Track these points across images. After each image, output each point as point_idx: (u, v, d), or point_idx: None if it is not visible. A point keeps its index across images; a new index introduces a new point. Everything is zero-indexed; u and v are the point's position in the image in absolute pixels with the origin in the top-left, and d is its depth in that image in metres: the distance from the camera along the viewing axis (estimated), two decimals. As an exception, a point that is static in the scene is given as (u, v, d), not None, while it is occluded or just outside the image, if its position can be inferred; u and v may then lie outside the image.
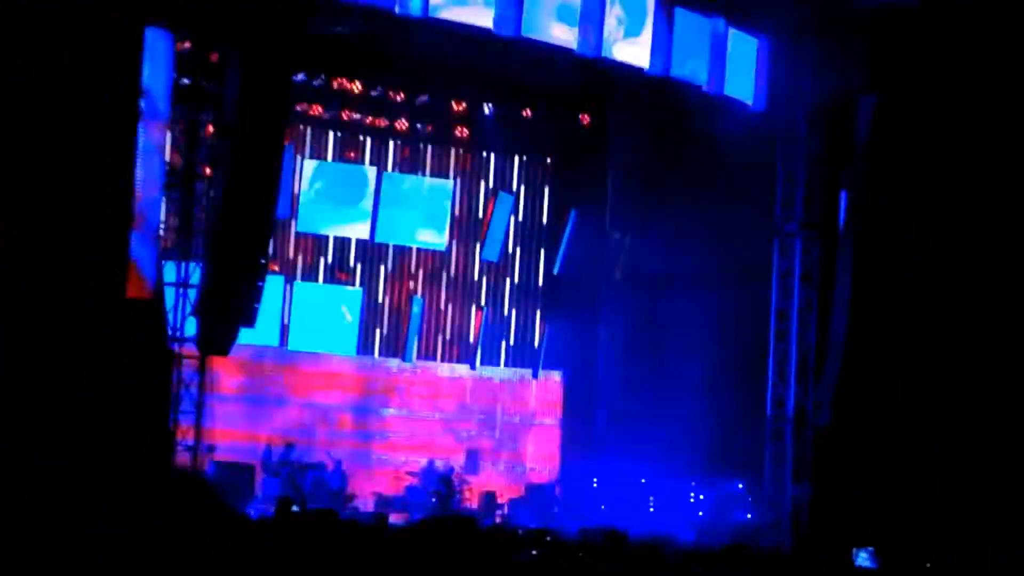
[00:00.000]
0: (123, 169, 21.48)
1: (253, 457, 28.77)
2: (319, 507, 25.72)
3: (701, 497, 30.79)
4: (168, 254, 24.22)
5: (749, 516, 30.38)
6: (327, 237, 31.70)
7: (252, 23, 22.51)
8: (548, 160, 33.56)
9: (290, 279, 31.13)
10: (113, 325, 20.59)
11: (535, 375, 33.30)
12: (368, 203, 31.57)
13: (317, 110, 30.73)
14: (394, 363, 32.20)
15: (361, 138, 31.77)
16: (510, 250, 33.37)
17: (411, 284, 32.55)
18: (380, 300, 32.30)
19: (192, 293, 24.25)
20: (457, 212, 32.77)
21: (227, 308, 23.31)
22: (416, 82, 30.66)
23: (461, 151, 32.71)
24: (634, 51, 27.54)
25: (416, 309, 32.18)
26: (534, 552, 16.20)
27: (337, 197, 31.33)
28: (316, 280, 31.55)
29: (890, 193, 27.71)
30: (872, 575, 21.48)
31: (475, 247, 32.92)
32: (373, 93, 30.74)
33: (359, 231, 31.71)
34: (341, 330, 31.56)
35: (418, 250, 32.59)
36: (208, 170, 24.27)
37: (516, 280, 33.61)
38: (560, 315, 33.22)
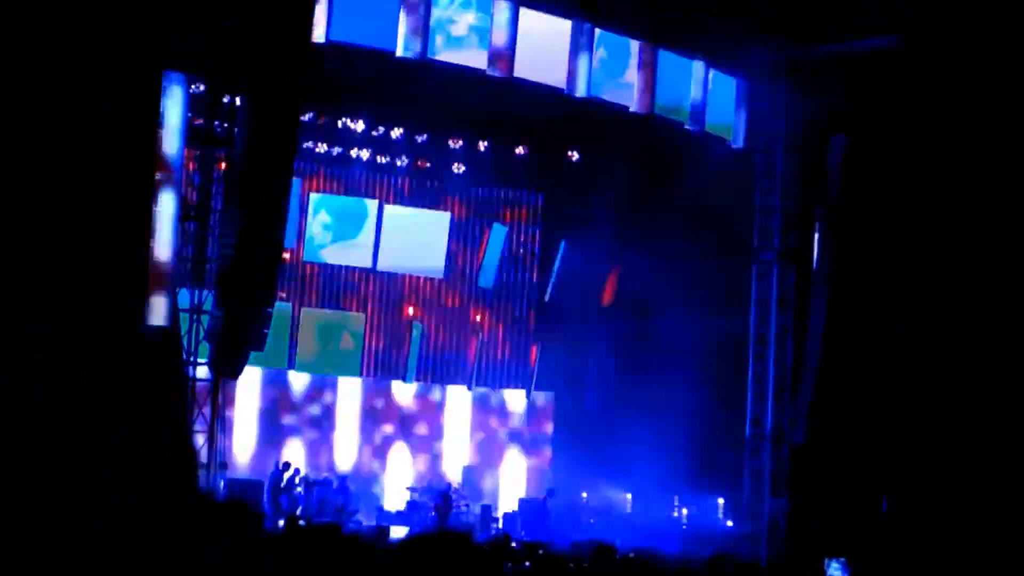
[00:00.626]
0: (142, 202, 21.58)
1: (263, 475, 28.88)
2: (323, 521, 25.88)
3: (685, 511, 30.88)
4: (183, 282, 24.30)
5: (730, 525, 30.51)
6: (332, 266, 31.80)
7: (261, 68, 22.65)
8: (539, 194, 33.72)
9: (297, 305, 31.24)
10: (131, 350, 20.66)
11: (528, 396, 33.44)
12: (370, 234, 31.70)
13: (323, 147, 30.86)
14: (395, 384, 32.31)
15: (364, 173, 31.92)
16: (504, 278, 33.52)
17: (411, 310, 32.68)
18: (381, 325, 32.41)
19: (205, 319, 24.34)
20: (454, 242, 32.91)
21: (238, 333, 23.40)
22: (415, 121, 30.86)
23: (458, 185, 32.83)
24: (620, 91, 27.74)
25: (415, 333, 32.37)
26: (527, 564, 16.34)
27: (341, 229, 31.48)
28: (322, 307, 31.65)
29: (861, 225, 27.88)
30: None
31: (471, 275, 33.06)
32: (375, 132, 30.91)
33: (362, 260, 31.82)
34: (344, 354, 31.69)
35: (417, 278, 32.71)
36: (220, 204, 24.37)
37: (510, 306, 33.74)
38: (551, 339, 33.42)
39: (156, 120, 21.83)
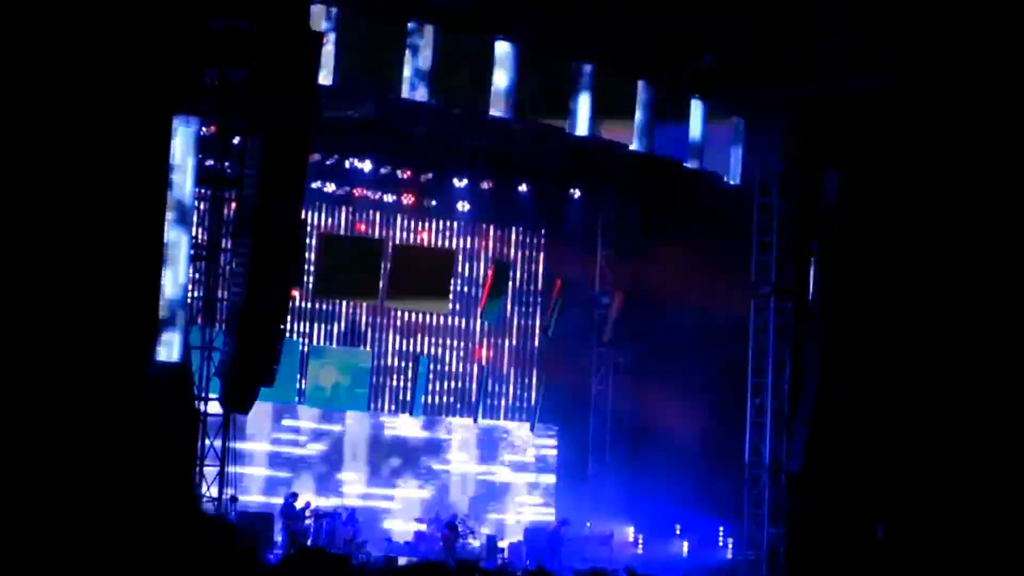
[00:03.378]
0: (153, 241, 21.32)
1: (273, 507, 28.53)
2: (333, 552, 25.52)
3: (686, 539, 30.58)
4: (194, 320, 23.98)
5: (730, 555, 30.24)
6: (340, 303, 31.49)
7: (271, 109, 22.43)
8: (542, 231, 33.43)
9: (306, 342, 30.92)
10: (144, 386, 20.36)
11: (532, 428, 33.07)
12: (377, 271, 31.37)
13: (331, 187, 30.58)
14: (402, 417, 31.97)
15: (371, 212, 31.62)
16: (508, 314, 33.20)
17: (417, 345, 32.34)
18: (389, 360, 32.08)
19: (216, 356, 24.00)
20: (459, 279, 32.61)
21: (248, 369, 23.10)
22: (421, 161, 30.53)
23: (463, 224, 32.58)
24: (620, 131, 27.51)
25: (422, 368, 32.00)
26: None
27: (349, 267, 31.13)
28: (330, 343, 31.32)
29: (855, 259, 27.73)
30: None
31: (476, 311, 32.75)
32: (382, 171, 30.59)
33: (369, 297, 31.52)
34: (352, 388, 31.33)
35: (424, 314, 32.38)
36: (230, 243, 24.06)
37: (514, 341, 33.42)
38: (554, 373, 33.04)
39: (166, 160, 21.56)
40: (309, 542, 27.34)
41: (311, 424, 30.95)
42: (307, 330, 31.06)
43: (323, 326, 31.34)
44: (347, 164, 30.05)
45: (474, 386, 32.77)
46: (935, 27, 25.11)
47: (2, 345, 18.63)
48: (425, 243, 32.34)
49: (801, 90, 27.87)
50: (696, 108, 28.36)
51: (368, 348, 31.81)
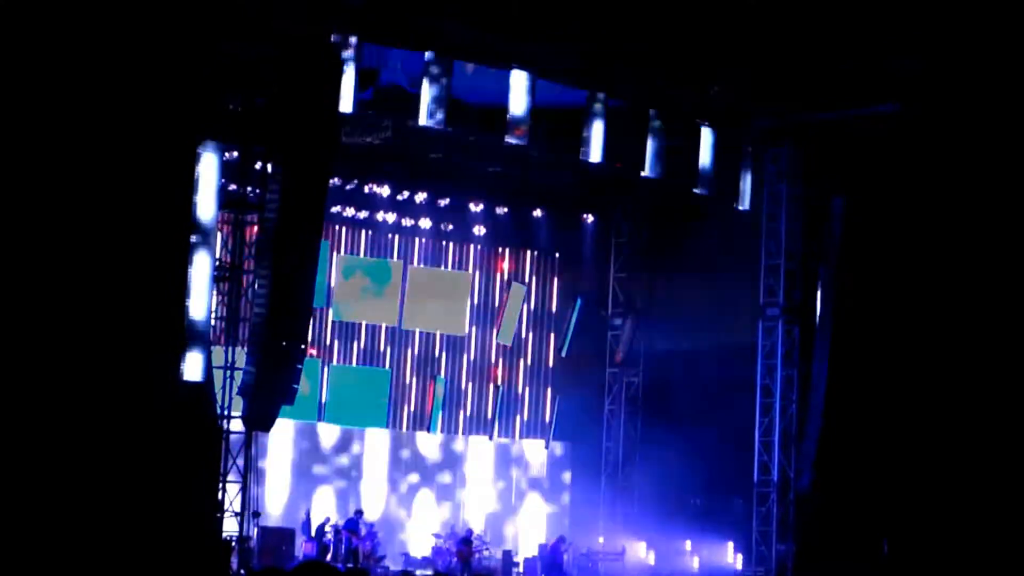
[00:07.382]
0: (177, 264, 21.28)
1: (295, 522, 28.41)
2: (353, 567, 25.40)
3: (696, 555, 30.42)
4: (217, 340, 23.88)
5: (739, 569, 30.09)
6: (359, 324, 31.36)
7: (292, 135, 22.37)
8: (556, 254, 33.35)
9: (326, 362, 30.77)
10: (170, 405, 20.31)
11: (547, 446, 32.93)
12: (395, 294, 31.29)
13: (350, 211, 30.50)
14: (420, 435, 31.83)
15: (389, 236, 31.51)
16: (523, 335, 33.10)
17: (435, 365, 32.19)
18: (407, 380, 31.95)
19: (238, 375, 23.89)
20: (475, 301, 32.51)
21: (270, 389, 23.00)
22: (438, 186, 30.48)
23: (479, 247, 32.47)
24: (632, 156, 27.38)
25: (439, 387, 31.86)
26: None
27: (368, 289, 31.06)
28: (350, 363, 31.17)
29: (861, 282, 27.60)
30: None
31: (492, 332, 32.63)
32: (400, 196, 30.52)
33: (388, 319, 31.40)
34: (371, 407, 31.19)
35: (441, 335, 32.26)
36: (252, 265, 23.97)
37: (529, 361, 33.29)
38: (568, 392, 32.89)
39: (191, 186, 21.54)
40: (329, 557, 27.22)
41: (331, 441, 30.83)
42: (327, 350, 30.92)
43: (343, 346, 31.21)
44: (366, 189, 30.02)
45: (490, 404, 32.65)
46: (940, 53, 24.99)
47: (30, 365, 18.58)
48: (442, 266, 32.21)
49: (808, 117, 27.76)
50: (706, 135, 28.18)
51: (387, 367, 31.68)
